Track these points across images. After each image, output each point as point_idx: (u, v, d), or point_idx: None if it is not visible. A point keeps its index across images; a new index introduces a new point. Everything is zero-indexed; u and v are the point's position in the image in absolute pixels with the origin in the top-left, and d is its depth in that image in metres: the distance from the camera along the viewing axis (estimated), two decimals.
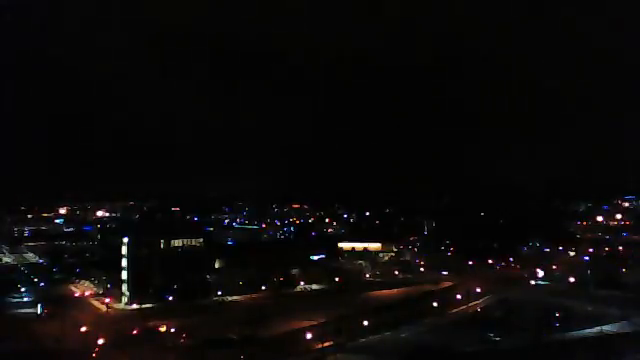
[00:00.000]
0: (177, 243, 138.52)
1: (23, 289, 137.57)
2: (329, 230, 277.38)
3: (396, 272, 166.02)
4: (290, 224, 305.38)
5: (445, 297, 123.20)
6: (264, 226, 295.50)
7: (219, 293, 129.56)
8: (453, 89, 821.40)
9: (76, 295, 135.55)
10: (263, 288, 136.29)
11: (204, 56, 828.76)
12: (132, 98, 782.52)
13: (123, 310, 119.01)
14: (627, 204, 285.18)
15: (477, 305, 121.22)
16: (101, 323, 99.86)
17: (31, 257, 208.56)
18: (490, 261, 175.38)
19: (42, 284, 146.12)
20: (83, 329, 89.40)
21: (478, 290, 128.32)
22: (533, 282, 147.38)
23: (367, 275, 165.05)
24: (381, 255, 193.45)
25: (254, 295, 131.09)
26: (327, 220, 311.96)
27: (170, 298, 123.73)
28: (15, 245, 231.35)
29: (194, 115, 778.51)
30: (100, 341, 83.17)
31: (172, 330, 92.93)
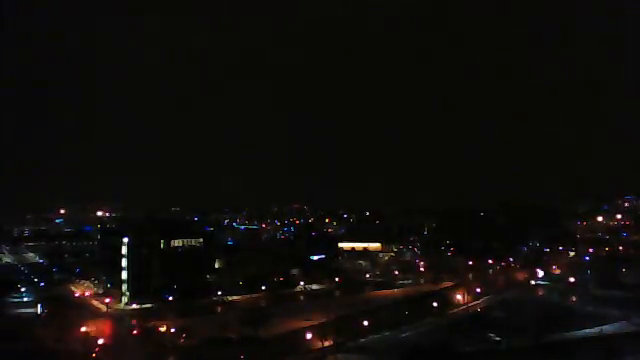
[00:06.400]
0: (177, 243, 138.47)
1: (23, 289, 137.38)
2: (329, 230, 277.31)
3: (396, 272, 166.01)
4: (290, 224, 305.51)
5: (445, 297, 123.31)
6: (264, 226, 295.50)
7: (219, 293, 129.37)
8: (453, 88, 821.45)
9: (76, 295, 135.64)
10: (263, 288, 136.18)
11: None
12: (131, 97, 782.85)
13: (123, 310, 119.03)
14: (627, 204, 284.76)
15: (477, 305, 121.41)
16: (101, 323, 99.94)
17: (31, 257, 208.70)
18: (490, 261, 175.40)
19: (42, 284, 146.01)
20: (83, 329, 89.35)
21: (478, 290, 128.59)
22: (533, 282, 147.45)
23: (367, 275, 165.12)
24: (381, 255, 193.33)
25: (254, 295, 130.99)
26: (327, 220, 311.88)
27: (170, 298, 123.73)
28: (15, 245, 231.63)
29: (195, 115, 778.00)
30: (100, 341, 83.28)
31: (172, 330, 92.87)
